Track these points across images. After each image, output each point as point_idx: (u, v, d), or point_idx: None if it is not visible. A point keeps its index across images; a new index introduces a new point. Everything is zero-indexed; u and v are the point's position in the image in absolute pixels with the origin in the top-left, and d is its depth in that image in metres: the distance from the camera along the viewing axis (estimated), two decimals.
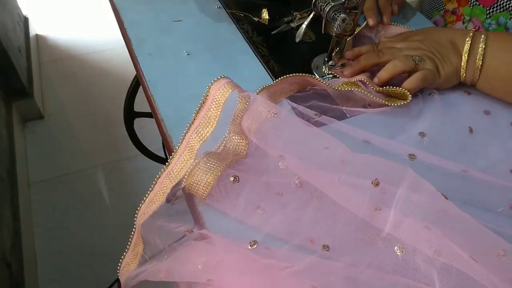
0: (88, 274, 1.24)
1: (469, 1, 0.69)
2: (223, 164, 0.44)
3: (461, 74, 0.55)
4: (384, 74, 0.54)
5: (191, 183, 0.43)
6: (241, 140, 0.46)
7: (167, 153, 0.81)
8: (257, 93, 0.53)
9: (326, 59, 0.58)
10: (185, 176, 0.43)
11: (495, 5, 0.66)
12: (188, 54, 0.62)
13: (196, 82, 0.58)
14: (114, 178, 1.49)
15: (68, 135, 1.62)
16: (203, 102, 0.46)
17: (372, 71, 0.57)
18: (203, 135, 0.45)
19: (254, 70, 0.60)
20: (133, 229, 0.44)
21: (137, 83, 0.95)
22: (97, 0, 2.17)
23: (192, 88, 0.57)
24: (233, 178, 0.43)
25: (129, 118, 1.03)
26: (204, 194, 0.43)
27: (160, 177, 0.45)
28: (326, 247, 0.40)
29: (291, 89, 0.56)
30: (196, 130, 0.45)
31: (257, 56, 0.62)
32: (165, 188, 0.44)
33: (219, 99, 0.45)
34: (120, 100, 1.01)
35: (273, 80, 0.58)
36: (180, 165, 0.44)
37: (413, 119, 0.53)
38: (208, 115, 0.45)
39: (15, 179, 1.33)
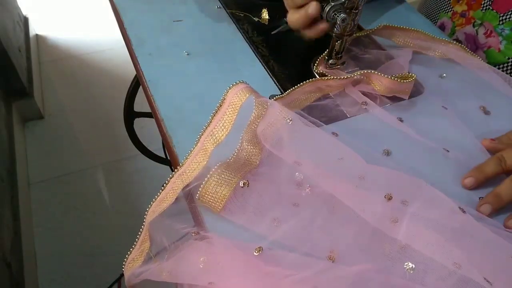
0: (88, 274, 1.24)
1: (481, 5, 0.67)
2: (238, 176, 0.44)
3: None
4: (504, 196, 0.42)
5: (205, 194, 0.43)
6: (253, 149, 0.45)
7: (167, 153, 0.81)
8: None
9: (327, 58, 0.58)
10: (199, 190, 0.43)
11: (510, 12, 0.64)
12: (188, 54, 0.62)
13: (196, 82, 0.58)
14: (114, 178, 1.49)
15: (68, 135, 1.62)
16: (220, 106, 0.46)
17: (369, 66, 0.56)
18: (218, 138, 0.45)
19: (254, 70, 0.60)
20: (142, 227, 0.45)
21: (137, 83, 0.95)
22: (97, 0, 2.17)
23: (192, 88, 0.57)
24: (243, 183, 0.44)
25: (129, 118, 1.03)
26: (219, 207, 0.43)
27: (172, 177, 0.45)
28: (333, 257, 0.40)
29: (305, 99, 0.55)
30: (211, 133, 0.45)
31: (257, 56, 0.62)
32: (176, 188, 0.44)
33: (235, 104, 0.45)
34: (120, 100, 1.01)
35: (273, 80, 0.58)
36: (193, 167, 0.45)
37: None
38: (224, 119, 0.45)
39: (15, 179, 1.33)
